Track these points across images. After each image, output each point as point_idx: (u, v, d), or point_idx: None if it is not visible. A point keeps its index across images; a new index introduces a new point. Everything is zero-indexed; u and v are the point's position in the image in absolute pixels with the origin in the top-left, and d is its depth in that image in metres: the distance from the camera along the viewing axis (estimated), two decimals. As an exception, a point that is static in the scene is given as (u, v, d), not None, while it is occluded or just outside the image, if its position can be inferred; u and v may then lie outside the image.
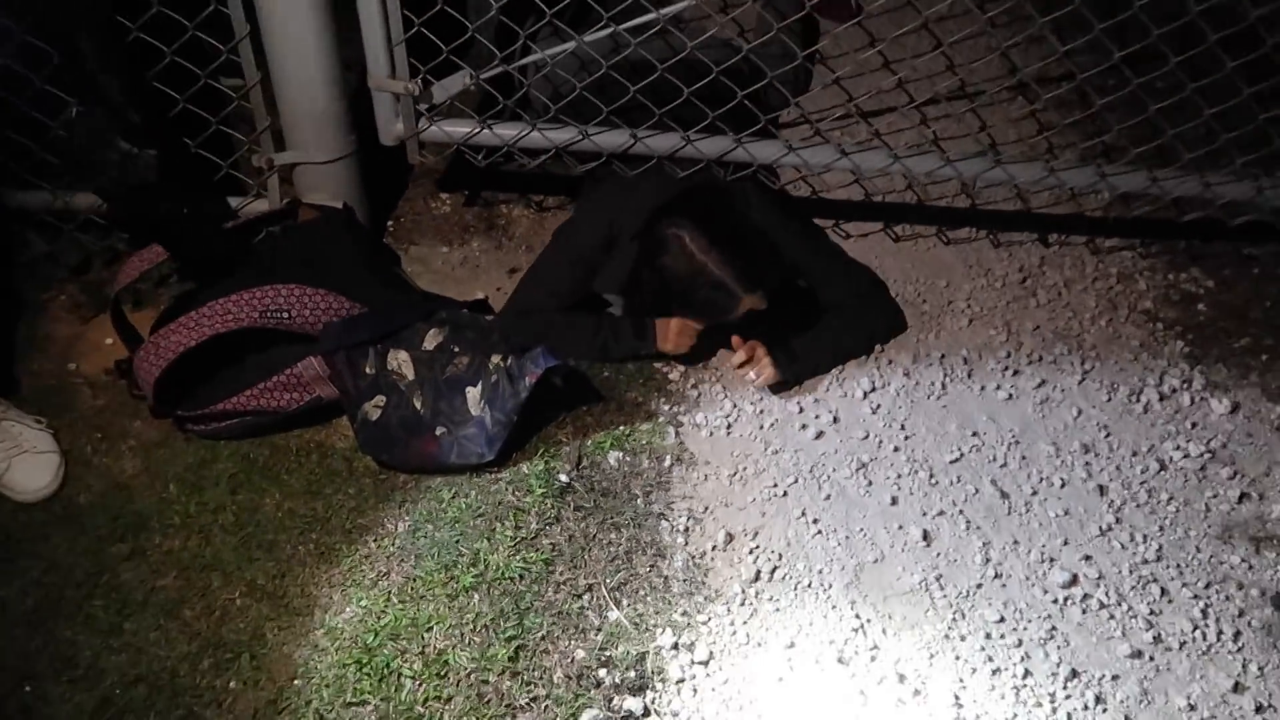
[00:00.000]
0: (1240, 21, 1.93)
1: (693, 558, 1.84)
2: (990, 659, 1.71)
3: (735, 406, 2.10)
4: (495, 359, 1.83)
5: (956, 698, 1.66)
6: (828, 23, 2.81)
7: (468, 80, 2.05)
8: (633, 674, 1.66)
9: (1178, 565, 1.85)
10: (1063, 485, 1.98)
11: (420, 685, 1.59)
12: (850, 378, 2.14)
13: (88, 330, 2.11)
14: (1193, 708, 1.66)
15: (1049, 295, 2.36)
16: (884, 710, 1.64)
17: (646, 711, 1.62)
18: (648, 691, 1.64)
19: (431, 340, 1.85)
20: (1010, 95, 2.73)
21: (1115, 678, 1.69)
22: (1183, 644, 1.74)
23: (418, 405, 1.80)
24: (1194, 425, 2.09)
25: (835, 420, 2.07)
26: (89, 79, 1.94)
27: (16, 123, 1.93)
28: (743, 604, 1.77)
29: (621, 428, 2.01)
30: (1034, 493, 1.97)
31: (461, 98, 2.17)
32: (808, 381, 2.13)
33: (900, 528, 1.90)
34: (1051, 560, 1.86)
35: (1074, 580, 1.82)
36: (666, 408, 2.08)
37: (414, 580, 1.72)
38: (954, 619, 1.77)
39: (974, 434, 2.07)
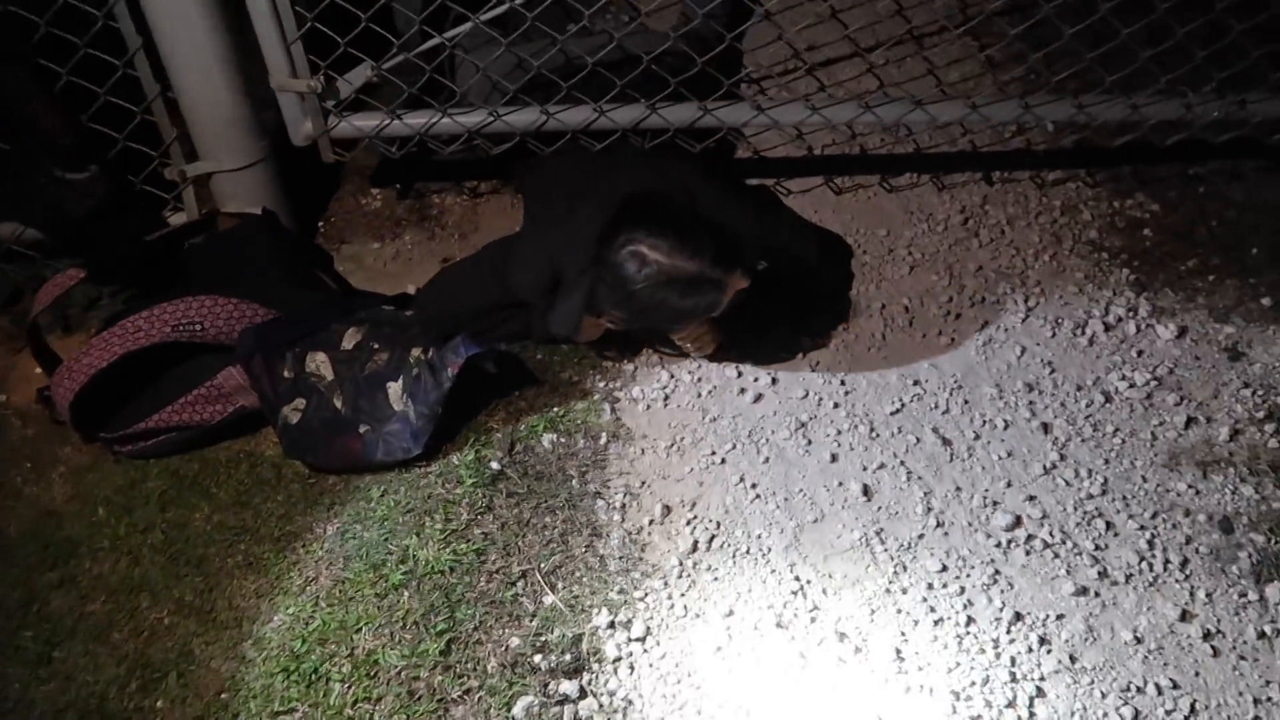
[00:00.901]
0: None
1: (629, 534, 1.81)
2: (932, 610, 1.68)
3: (673, 377, 2.07)
4: (415, 352, 1.81)
5: (898, 651, 1.63)
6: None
7: (369, 72, 2.02)
8: (568, 657, 1.64)
9: (1123, 497, 1.81)
10: (1006, 427, 1.94)
11: (349, 688, 1.57)
12: (789, 336, 2.11)
13: (19, 361, 2.10)
14: (1139, 640, 1.62)
15: (991, 234, 2.31)
16: (824, 671, 1.62)
17: (583, 693, 1.60)
18: (584, 673, 1.62)
19: (350, 339, 1.83)
20: (957, 38, 2.66)
21: (1060, 617, 1.66)
22: (1129, 577, 1.70)
23: (338, 405, 1.78)
24: (1140, 353, 2.04)
25: (774, 382, 2.04)
26: (12, 110, 1.92)
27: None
28: (680, 576, 1.75)
29: (555, 409, 1.99)
30: (977, 437, 1.93)
31: (391, 92, 2.12)
32: (747, 345, 2.10)
33: (840, 484, 1.86)
34: (995, 504, 1.82)
35: (1017, 522, 1.79)
36: (602, 384, 2.05)
37: (342, 583, 1.70)
38: (895, 572, 1.73)
39: (915, 383, 2.03)
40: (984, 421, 1.95)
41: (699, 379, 2.06)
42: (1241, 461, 1.84)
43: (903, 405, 1.99)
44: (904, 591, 1.71)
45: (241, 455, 1.91)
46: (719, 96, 2.10)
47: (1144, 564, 1.71)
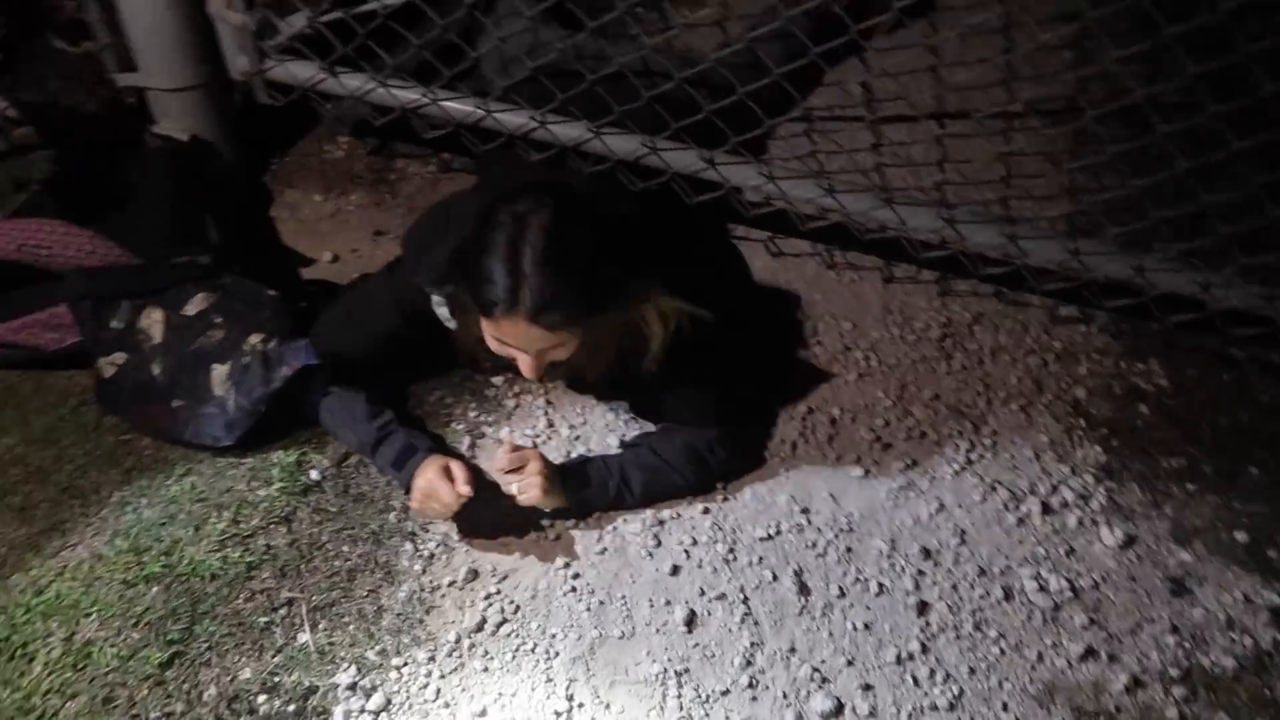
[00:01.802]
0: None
1: (422, 590, 1.65)
2: (699, 785, 1.47)
3: (551, 426, 1.89)
4: (254, 339, 1.67)
5: (637, 821, 1.43)
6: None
7: (303, 23, 1.86)
8: (293, 708, 1.49)
9: (970, 720, 1.54)
10: (879, 593, 1.68)
11: (50, 674, 1.47)
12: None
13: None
14: None
15: (966, 361, 2.02)
16: (547, 816, 1.43)
17: (289, 755, 1.46)
18: (300, 733, 1.48)
19: (195, 305, 1.71)
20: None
21: (833, 842, 1.42)
22: (930, 821, 1.45)
23: (155, 371, 1.67)
24: (1070, 553, 1.74)
25: (652, 464, 1.83)
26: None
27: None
28: (450, 654, 1.57)
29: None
30: (841, 594, 1.68)
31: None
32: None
33: (667, 604, 1.65)
34: (824, 681, 1.58)
35: (839, 710, 1.54)
36: (473, 415, 1.88)
37: (99, 558, 1.59)
38: (678, 726, 1.52)
39: (804, 510, 1.78)
40: (857, 579, 1.70)
41: (578, 436, 1.87)
42: (1128, 720, 1.55)
43: (778, 532, 1.75)
44: (677, 752, 1.50)
45: (78, 388, 1.81)
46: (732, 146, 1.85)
47: (954, 811, 1.45)
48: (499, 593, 1.65)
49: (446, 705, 1.53)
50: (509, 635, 1.60)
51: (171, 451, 1.73)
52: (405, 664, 1.56)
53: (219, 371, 1.66)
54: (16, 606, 1.53)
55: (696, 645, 1.61)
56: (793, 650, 1.61)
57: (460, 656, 1.58)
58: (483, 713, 1.52)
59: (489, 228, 1.44)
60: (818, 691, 1.56)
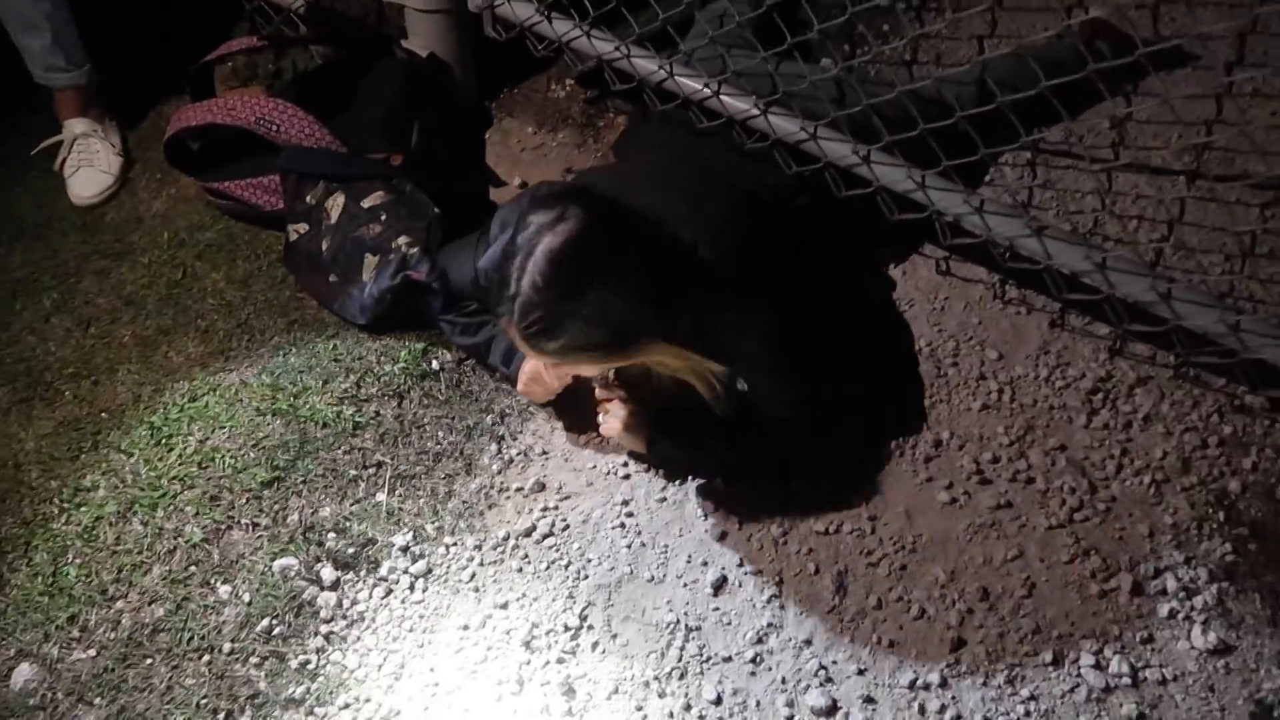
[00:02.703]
0: None
1: (491, 488, 1.79)
2: None
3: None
4: (402, 240, 1.87)
5: None
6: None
7: (529, -32, 2.04)
8: (352, 551, 1.69)
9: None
10: (919, 616, 1.62)
11: (180, 463, 1.76)
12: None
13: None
14: None
15: (1111, 420, 1.86)
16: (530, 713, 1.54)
17: (335, 585, 1.66)
18: (350, 571, 1.67)
19: (371, 200, 1.93)
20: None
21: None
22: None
23: (324, 246, 1.92)
24: (1146, 640, 1.59)
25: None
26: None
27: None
28: (495, 548, 1.71)
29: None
30: (879, 606, 1.63)
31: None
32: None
33: (704, 564, 1.68)
34: (828, 680, 1.55)
35: (831, 710, 1.52)
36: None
37: (245, 384, 1.87)
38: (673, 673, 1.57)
39: (872, 518, 1.74)
40: (901, 598, 1.64)
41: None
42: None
43: (837, 530, 1.72)
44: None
45: (279, 245, 2.12)
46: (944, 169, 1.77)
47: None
48: (556, 509, 1.77)
49: (476, 590, 1.67)
50: (550, 547, 1.72)
51: (328, 316, 1.99)
52: (455, 544, 1.72)
53: (370, 261, 1.88)
54: (173, 405, 1.84)
55: (717, 609, 1.64)
56: (808, 643, 1.60)
57: (503, 552, 1.71)
58: (504, 605, 1.65)
59: (519, 230, 1.45)
60: (818, 688, 1.55)
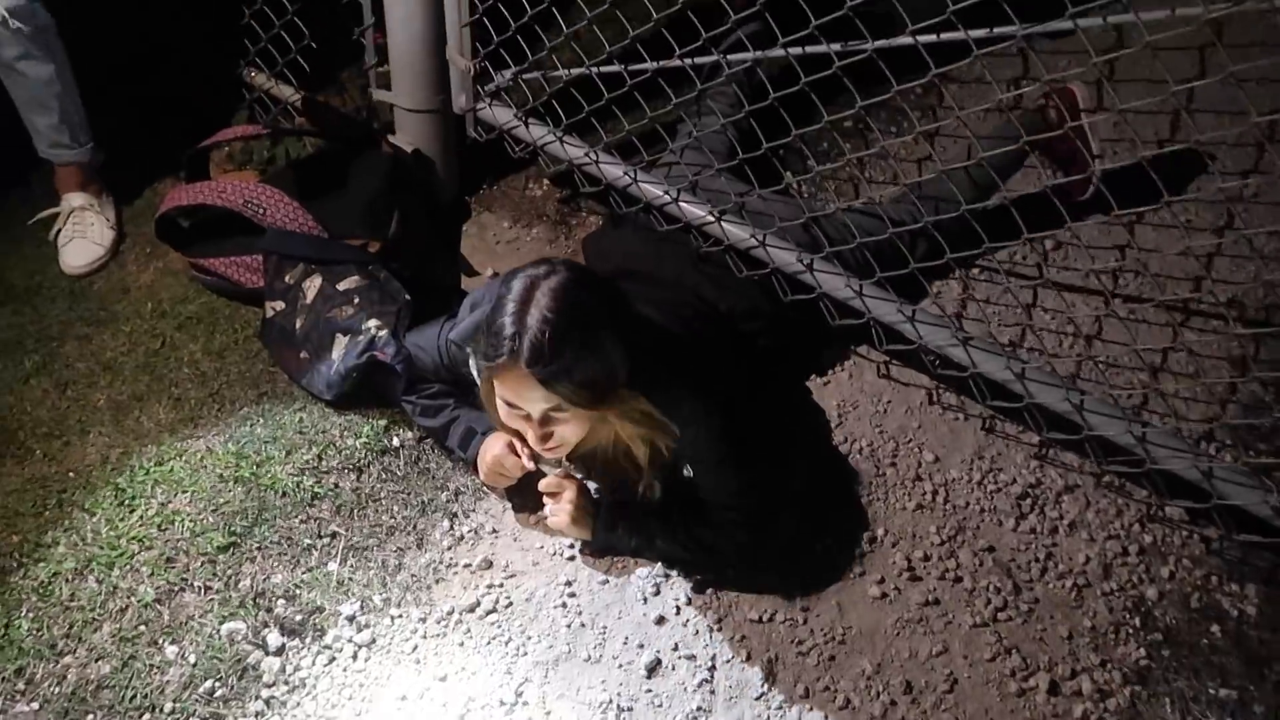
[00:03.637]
0: None
1: (440, 563, 1.85)
2: None
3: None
4: (372, 323, 1.96)
5: None
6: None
7: (505, 76, 2.20)
8: (299, 617, 1.75)
9: None
10: (844, 707, 1.69)
11: (141, 524, 1.82)
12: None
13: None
14: None
15: (1038, 525, 1.96)
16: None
17: (280, 651, 1.70)
18: (295, 638, 1.72)
19: (346, 283, 2.04)
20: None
21: None
22: None
23: (298, 324, 2.02)
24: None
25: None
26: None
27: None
28: (439, 622, 1.77)
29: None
30: (806, 696, 1.70)
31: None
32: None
33: (640, 646, 1.74)
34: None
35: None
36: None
37: (210, 451, 1.94)
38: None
39: (805, 609, 1.81)
40: (828, 688, 1.71)
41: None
42: None
43: (770, 619, 1.79)
44: None
45: (255, 321, 2.22)
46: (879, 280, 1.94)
47: None
48: (501, 586, 1.83)
49: (417, 661, 1.72)
50: (493, 623, 1.77)
51: (297, 390, 2.07)
52: (400, 616, 1.77)
53: (341, 341, 1.97)
54: (139, 468, 1.91)
55: (649, 691, 1.70)
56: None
57: (447, 626, 1.77)
58: (443, 678, 1.70)
59: (506, 288, 1.57)
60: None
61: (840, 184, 2.46)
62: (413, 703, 1.67)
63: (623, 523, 1.83)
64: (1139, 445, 1.68)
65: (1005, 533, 1.95)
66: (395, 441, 2.01)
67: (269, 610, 1.76)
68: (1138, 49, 1.49)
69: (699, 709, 1.68)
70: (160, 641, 1.70)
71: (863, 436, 2.08)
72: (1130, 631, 1.81)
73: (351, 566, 1.83)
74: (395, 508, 1.92)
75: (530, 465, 1.82)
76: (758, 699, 1.70)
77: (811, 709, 1.69)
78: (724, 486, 1.79)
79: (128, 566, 1.78)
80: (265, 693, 1.66)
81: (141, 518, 1.84)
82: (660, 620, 1.79)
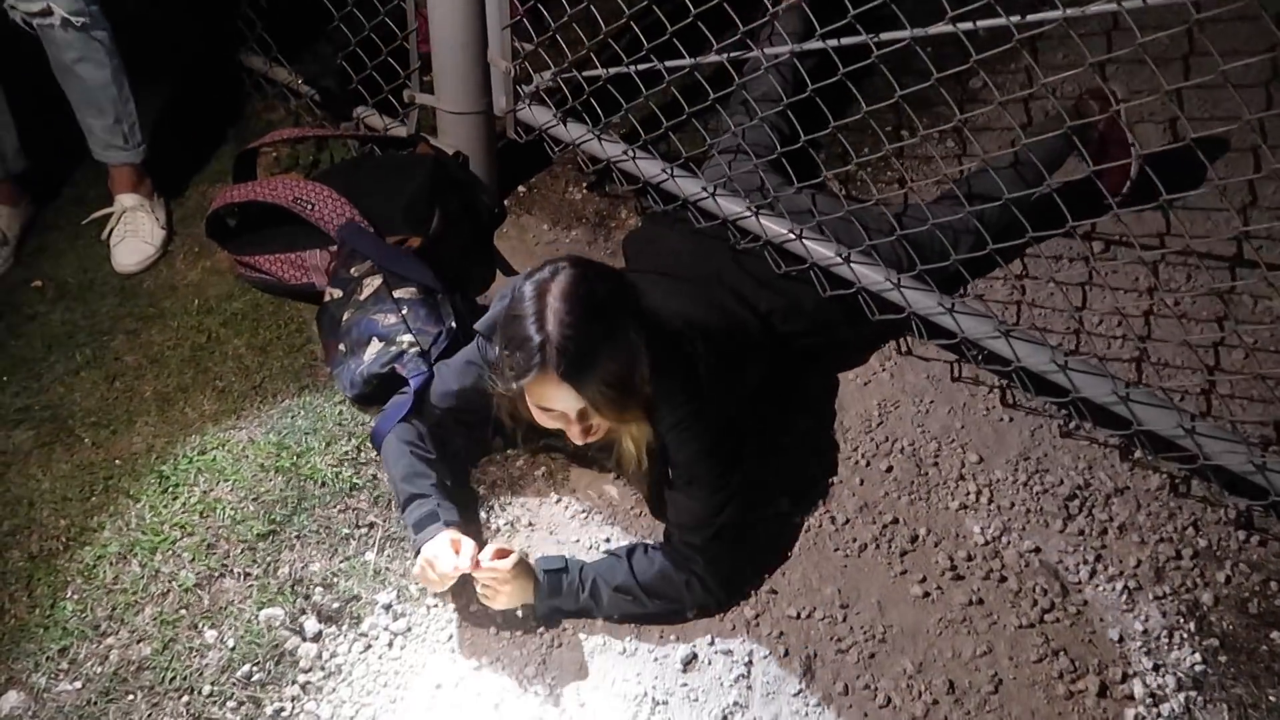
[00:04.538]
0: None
1: (477, 555, 1.85)
2: None
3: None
4: (406, 339, 1.95)
5: None
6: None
7: (544, 77, 2.22)
8: (336, 606, 1.75)
9: None
10: (885, 705, 1.65)
11: (183, 511, 1.84)
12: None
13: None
14: None
15: (1087, 527, 1.91)
16: None
17: (317, 637, 1.71)
18: (333, 625, 1.73)
19: (402, 293, 2.03)
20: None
21: None
22: None
23: (345, 316, 2.04)
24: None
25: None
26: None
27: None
28: (475, 612, 1.76)
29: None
30: (845, 693, 1.66)
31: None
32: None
33: (676, 639, 1.72)
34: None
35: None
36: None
37: (253, 442, 1.97)
38: None
39: (844, 606, 1.78)
40: (868, 686, 1.68)
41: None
42: None
43: (809, 616, 1.76)
44: None
45: (300, 317, 2.25)
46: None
47: None
48: (536, 577, 1.82)
49: (452, 651, 1.71)
50: (528, 615, 1.76)
51: (333, 382, 2.09)
52: (436, 605, 1.77)
53: (375, 345, 1.97)
54: (183, 456, 1.94)
55: (685, 685, 1.68)
56: (772, 724, 1.63)
57: (481, 617, 1.76)
58: (478, 668, 1.69)
59: (517, 301, 1.54)
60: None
61: (882, 186, 2.44)
62: (447, 691, 1.66)
63: (565, 586, 1.71)
64: (1188, 436, 1.63)
65: (1052, 534, 1.90)
66: (434, 435, 2.01)
67: (307, 597, 1.76)
68: (1179, 29, 1.46)
69: (735, 704, 1.65)
70: (200, 625, 1.71)
71: (904, 436, 2.05)
72: (1184, 636, 1.75)
73: (389, 556, 1.83)
74: (433, 500, 1.92)
75: (463, 568, 1.61)
76: (795, 695, 1.67)
77: (851, 707, 1.65)
78: (693, 508, 1.70)
79: (170, 552, 1.80)
80: (302, 678, 1.66)
81: (184, 505, 1.86)
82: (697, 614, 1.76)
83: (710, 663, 1.70)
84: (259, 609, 1.73)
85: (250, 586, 1.77)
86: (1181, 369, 2.09)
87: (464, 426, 1.90)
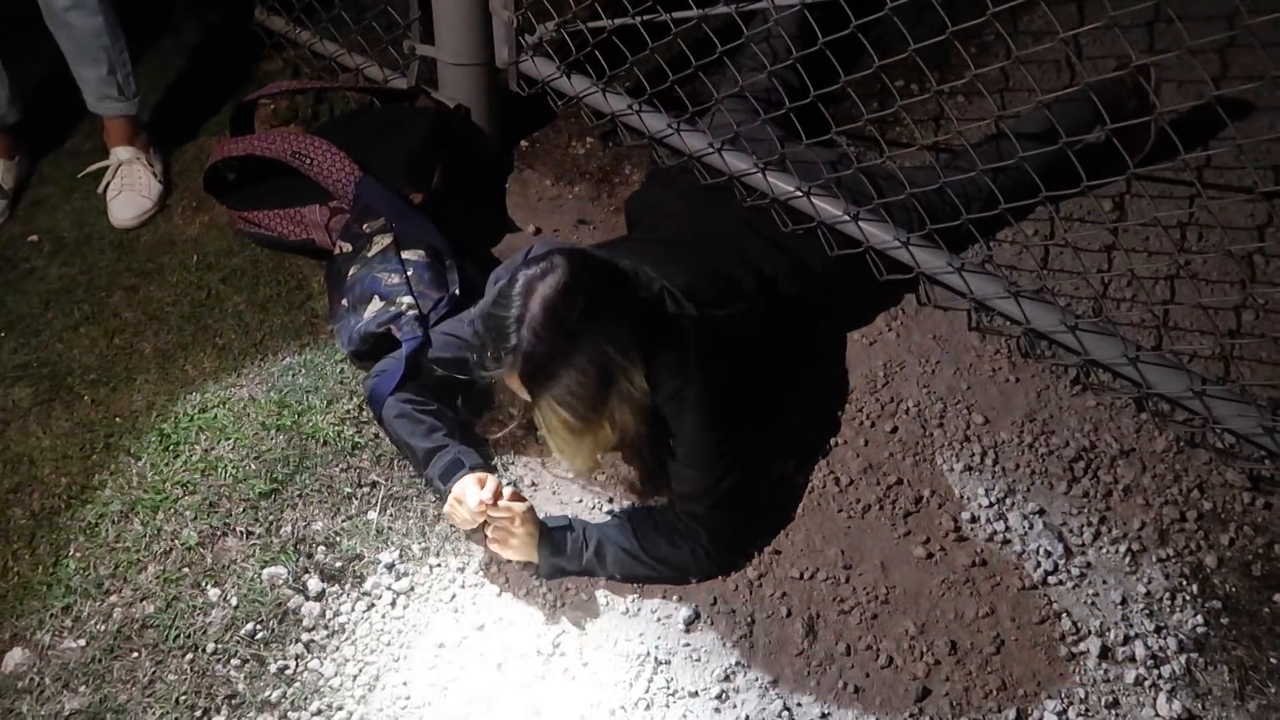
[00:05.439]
0: None
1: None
2: None
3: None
4: (406, 300, 1.93)
5: None
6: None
7: (548, 27, 2.17)
8: (339, 564, 1.75)
9: None
10: (886, 665, 1.65)
11: (185, 469, 1.83)
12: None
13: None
14: None
15: (1091, 489, 1.89)
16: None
17: (320, 596, 1.71)
18: (335, 584, 1.73)
19: (410, 253, 2.00)
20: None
21: None
22: None
23: (350, 271, 2.01)
24: (1111, 704, 1.60)
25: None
26: None
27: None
28: (478, 571, 1.76)
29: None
30: (848, 653, 1.67)
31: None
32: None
33: (679, 600, 1.72)
34: (790, 721, 1.58)
35: None
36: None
37: (253, 399, 1.95)
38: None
39: (847, 567, 1.78)
40: (870, 646, 1.68)
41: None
42: None
43: (812, 577, 1.76)
44: None
45: (299, 273, 2.22)
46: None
47: None
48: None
49: (455, 610, 1.72)
50: (531, 574, 1.76)
51: (335, 340, 2.08)
52: (439, 565, 1.77)
53: (375, 303, 1.94)
54: (184, 415, 1.93)
55: (687, 645, 1.68)
56: (774, 683, 1.63)
57: (485, 576, 1.76)
58: (481, 627, 1.69)
59: (505, 292, 1.55)
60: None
61: (891, 145, 2.40)
62: (450, 650, 1.66)
63: (570, 543, 1.72)
64: (1197, 399, 1.61)
65: (1057, 496, 1.89)
66: (436, 394, 2.00)
67: (309, 556, 1.76)
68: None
69: (737, 664, 1.65)
70: (203, 584, 1.71)
71: (909, 397, 2.03)
72: (1187, 598, 1.75)
73: (391, 515, 1.83)
74: (435, 459, 1.91)
75: (488, 499, 1.65)
76: (798, 655, 1.67)
77: (853, 667, 1.65)
78: (693, 477, 1.70)
79: (172, 510, 1.79)
80: (305, 636, 1.66)
81: (186, 463, 1.85)
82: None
83: (713, 623, 1.71)
84: (261, 568, 1.73)
85: (253, 545, 1.76)
86: (1190, 330, 2.06)
87: (465, 385, 1.89)
